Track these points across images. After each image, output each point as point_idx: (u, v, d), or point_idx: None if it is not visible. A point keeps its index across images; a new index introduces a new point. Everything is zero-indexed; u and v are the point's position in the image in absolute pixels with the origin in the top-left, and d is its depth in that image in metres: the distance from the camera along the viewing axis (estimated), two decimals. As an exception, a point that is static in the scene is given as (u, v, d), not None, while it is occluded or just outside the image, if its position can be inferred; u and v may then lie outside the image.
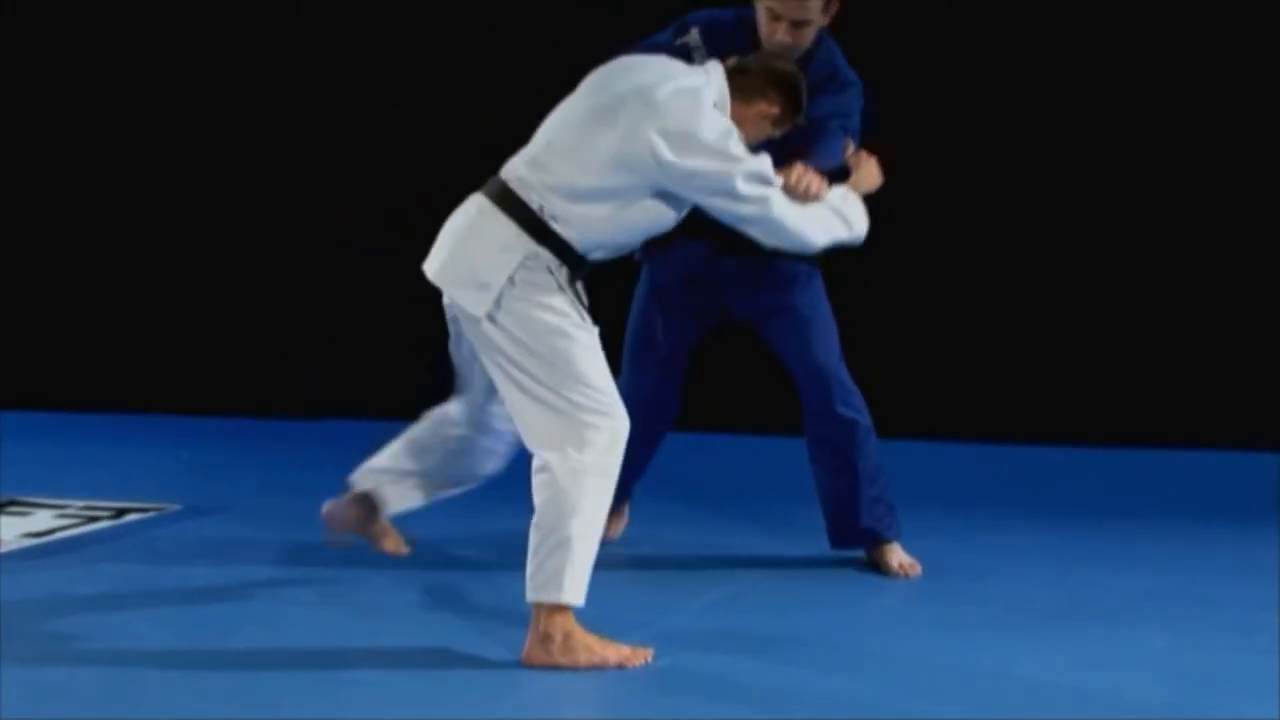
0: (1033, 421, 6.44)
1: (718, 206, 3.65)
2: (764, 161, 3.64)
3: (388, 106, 6.94)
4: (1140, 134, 6.39)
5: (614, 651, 3.47)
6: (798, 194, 3.72)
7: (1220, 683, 3.38)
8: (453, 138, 6.57)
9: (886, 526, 4.43)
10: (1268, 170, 6.34)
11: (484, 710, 3.20)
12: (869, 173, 4.01)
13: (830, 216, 3.77)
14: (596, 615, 3.58)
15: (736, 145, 3.61)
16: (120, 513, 5.04)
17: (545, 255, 3.58)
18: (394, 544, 4.07)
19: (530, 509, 3.51)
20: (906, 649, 3.63)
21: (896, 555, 4.42)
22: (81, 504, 5.12)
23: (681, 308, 4.50)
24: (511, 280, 3.55)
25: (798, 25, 4.10)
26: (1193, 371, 6.38)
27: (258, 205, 7.14)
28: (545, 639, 3.44)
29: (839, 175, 3.99)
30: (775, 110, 3.77)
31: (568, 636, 3.44)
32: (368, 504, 3.98)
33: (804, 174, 3.76)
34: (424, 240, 3.83)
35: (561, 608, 3.44)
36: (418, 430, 3.96)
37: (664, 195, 3.64)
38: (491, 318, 3.55)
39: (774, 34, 4.11)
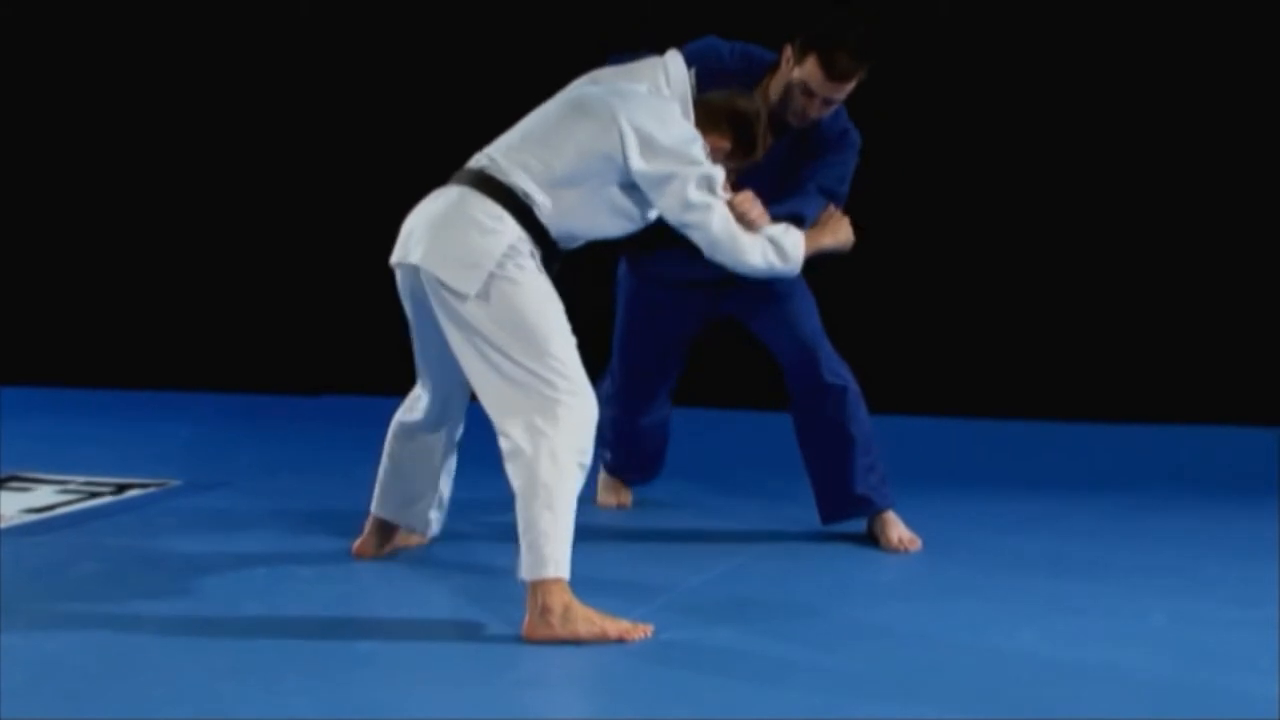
0: (1032, 397, 6.45)
1: (667, 206, 3.79)
2: (719, 172, 3.81)
3: (386, 92, 6.94)
4: (1139, 111, 6.38)
5: (614, 625, 3.49)
6: (737, 215, 3.86)
7: (1220, 658, 3.38)
8: (450, 124, 6.56)
9: (881, 495, 4.44)
10: (1266, 150, 6.33)
11: (483, 683, 3.20)
12: (837, 228, 4.20)
13: (766, 244, 3.92)
14: (598, 591, 3.59)
15: (698, 150, 3.79)
16: (121, 488, 5.04)
17: (528, 239, 3.68)
18: (416, 539, 4.30)
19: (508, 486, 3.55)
20: (906, 624, 3.63)
21: (896, 529, 4.42)
22: (82, 479, 5.13)
23: (671, 309, 4.55)
24: (501, 261, 3.61)
25: (829, 103, 4.22)
26: (1193, 347, 6.38)
27: (257, 182, 7.13)
28: (545, 612, 3.46)
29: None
30: (726, 145, 3.95)
31: (567, 608, 3.46)
32: (385, 529, 4.23)
33: (750, 200, 3.92)
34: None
35: (555, 581, 3.47)
36: (396, 453, 4.14)
37: (631, 187, 3.79)
38: (479, 296, 3.60)
39: (804, 106, 4.21)
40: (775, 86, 4.25)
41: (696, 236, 3.84)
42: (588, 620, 3.47)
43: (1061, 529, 4.67)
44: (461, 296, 3.61)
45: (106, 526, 4.56)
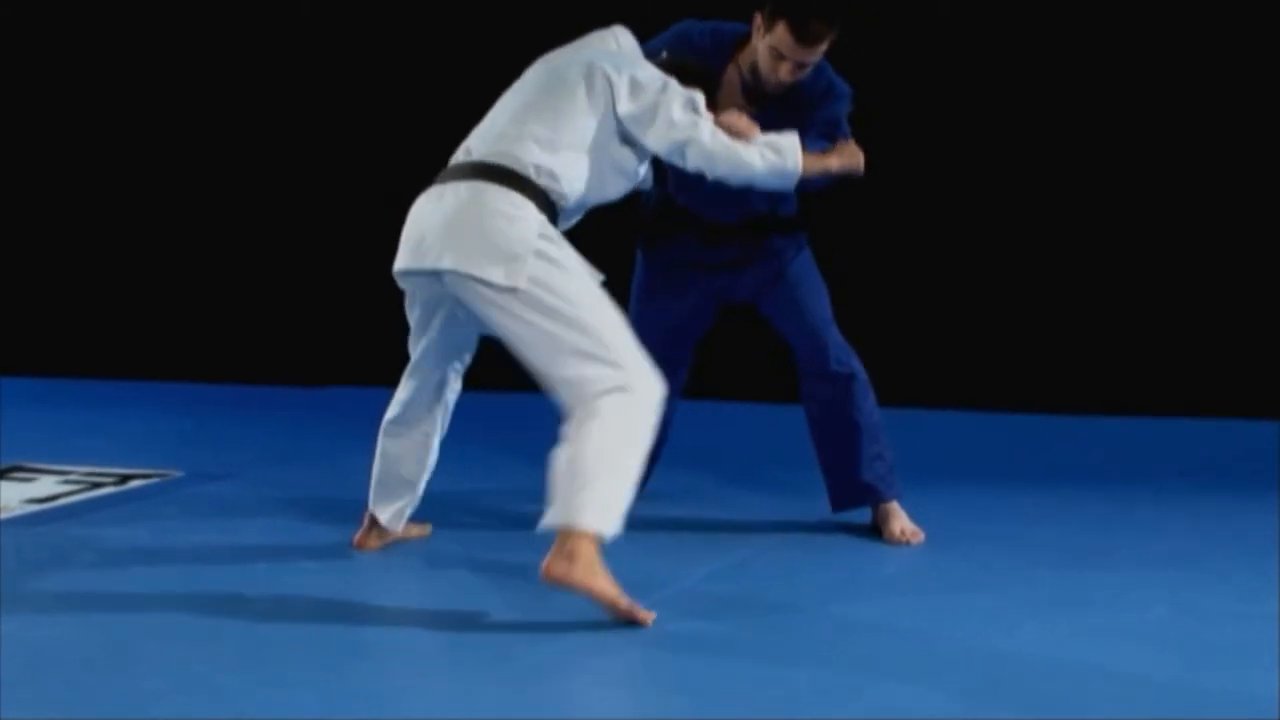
0: (1035, 390, 6.45)
1: (657, 136, 3.80)
2: (699, 94, 3.87)
3: (390, 88, 6.94)
4: (1143, 108, 6.38)
5: (625, 600, 3.50)
6: (727, 130, 3.90)
7: (1221, 653, 3.38)
8: (452, 120, 6.55)
9: (888, 485, 4.44)
10: (1266, 146, 6.33)
11: (485, 674, 3.20)
12: (843, 150, 4.19)
13: (763, 147, 3.91)
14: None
15: (675, 83, 3.85)
16: (124, 479, 5.04)
17: (547, 221, 3.68)
18: (418, 530, 4.31)
19: (537, 459, 3.58)
20: (907, 618, 3.63)
21: (899, 521, 4.42)
22: (85, 470, 5.13)
23: (682, 293, 4.55)
24: (538, 247, 3.62)
25: (801, 67, 4.20)
26: (1194, 340, 6.39)
27: (260, 172, 7.13)
28: (571, 556, 3.46)
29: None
30: None
31: (592, 563, 3.47)
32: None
33: (737, 115, 3.97)
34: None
35: (593, 535, 3.48)
36: (389, 451, 4.11)
37: (625, 141, 3.83)
38: (526, 286, 3.59)
39: (776, 72, 4.21)
40: (747, 56, 4.26)
41: (691, 154, 3.83)
42: (606, 581, 3.48)
43: (1063, 522, 4.66)
44: (509, 291, 3.59)
45: (109, 517, 4.56)
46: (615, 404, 3.54)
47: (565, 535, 3.47)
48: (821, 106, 4.30)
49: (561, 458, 3.53)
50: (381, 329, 5.99)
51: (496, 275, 3.59)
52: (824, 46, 4.17)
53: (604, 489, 3.48)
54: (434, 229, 3.69)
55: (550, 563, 3.47)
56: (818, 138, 4.22)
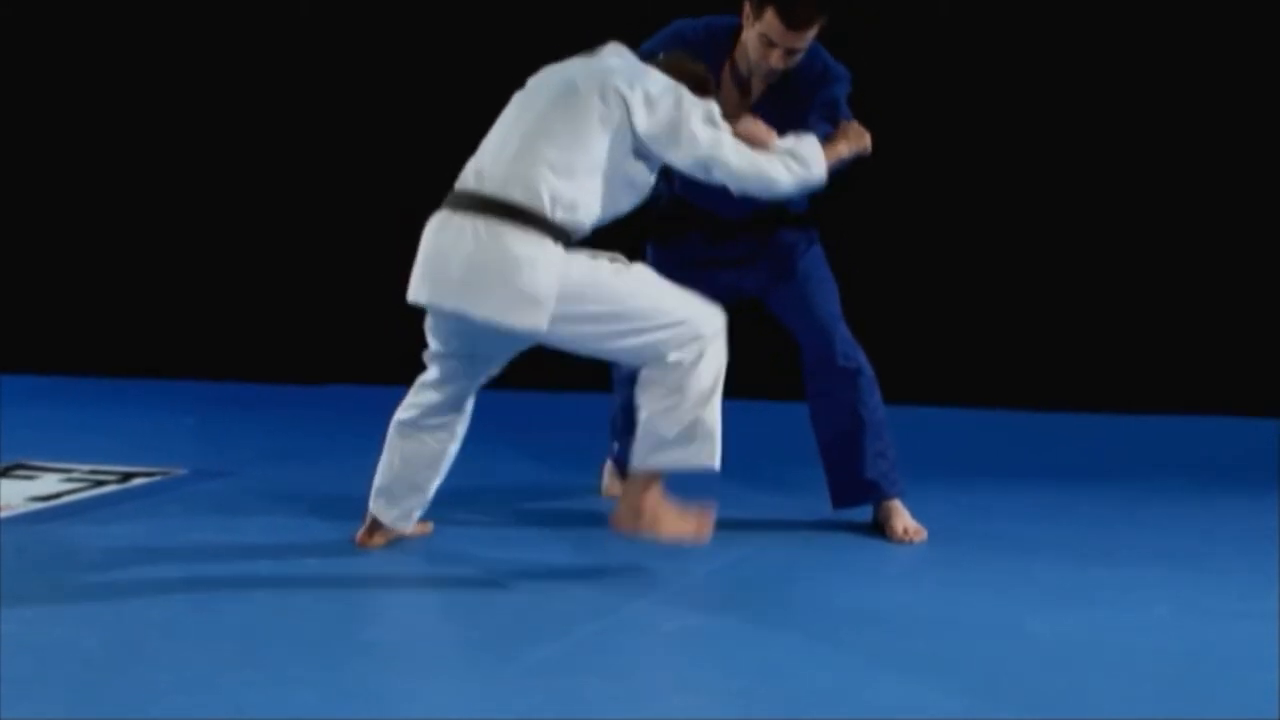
0: (1036, 388, 6.45)
1: (680, 155, 3.82)
2: (713, 104, 3.87)
3: (389, 84, 6.93)
4: (1143, 106, 6.38)
5: (692, 526, 3.80)
6: (745, 139, 3.93)
7: (1222, 651, 3.38)
8: (454, 119, 6.56)
9: (891, 482, 4.44)
10: (1266, 143, 6.32)
11: (488, 673, 3.20)
12: (848, 132, 4.19)
13: (786, 158, 3.95)
14: (603, 580, 3.60)
15: (685, 91, 3.85)
16: (126, 477, 5.05)
17: (564, 251, 3.73)
18: (420, 529, 4.29)
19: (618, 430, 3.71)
20: (909, 615, 3.64)
21: (902, 519, 4.42)
22: (88, 468, 5.13)
23: (693, 289, 4.56)
24: (561, 278, 3.67)
25: (791, 53, 4.19)
26: (1194, 339, 6.38)
27: (261, 171, 7.13)
28: (636, 509, 3.74)
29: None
30: None
31: (656, 511, 3.75)
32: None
33: (753, 121, 4.01)
34: (429, 206, 3.84)
35: (658, 481, 3.74)
36: (404, 453, 4.10)
37: (638, 155, 3.83)
38: (559, 313, 3.67)
39: (767, 59, 4.21)
40: (742, 48, 4.26)
41: (718, 174, 3.85)
42: (673, 522, 3.76)
43: (1065, 520, 4.66)
44: (535, 332, 3.70)
45: (111, 515, 4.57)
46: (690, 351, 3.75)
47: (630, 485, 3.75)
48: (819, 89, 4.30)
49: (644, 405, 3.74)
50: (382, 327, 6.01)
51: (522, 320, 3.66)
52: (813, 31, 4.17)
53: (707, 429, 3.76)
54: (454, 269, 3.71)
55: (619, 516, 3.77)
56: (819, 120, 4.23)
